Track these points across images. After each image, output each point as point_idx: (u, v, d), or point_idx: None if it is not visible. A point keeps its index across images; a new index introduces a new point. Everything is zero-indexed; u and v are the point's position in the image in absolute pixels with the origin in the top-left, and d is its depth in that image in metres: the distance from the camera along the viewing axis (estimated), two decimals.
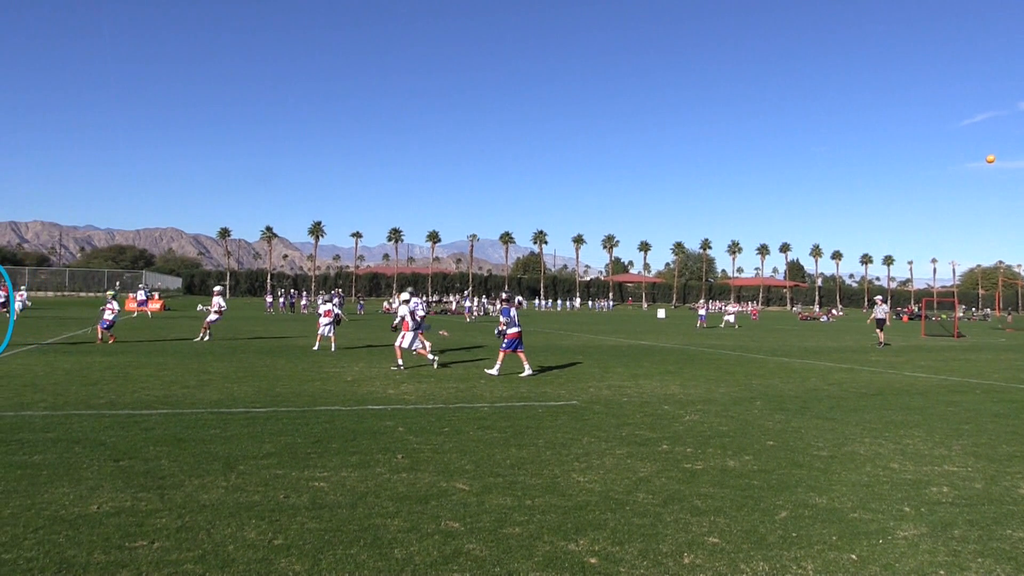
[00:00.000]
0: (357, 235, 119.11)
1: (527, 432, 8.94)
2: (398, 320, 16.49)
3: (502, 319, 15.28)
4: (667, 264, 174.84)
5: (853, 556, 5.16)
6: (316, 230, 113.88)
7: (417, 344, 16.17)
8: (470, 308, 52.38)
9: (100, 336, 21.30)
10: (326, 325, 20.54)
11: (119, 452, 7.37)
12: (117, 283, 60.67)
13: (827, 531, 5.62)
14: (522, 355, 15.20)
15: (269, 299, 58.76)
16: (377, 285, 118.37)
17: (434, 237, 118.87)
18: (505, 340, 15.15)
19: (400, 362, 15.76)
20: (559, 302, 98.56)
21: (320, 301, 21.70)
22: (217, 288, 24.51)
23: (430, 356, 16.25)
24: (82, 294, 73.93)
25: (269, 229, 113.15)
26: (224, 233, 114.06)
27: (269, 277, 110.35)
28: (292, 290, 74.15)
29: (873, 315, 29.49)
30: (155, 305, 52.62)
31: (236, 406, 10.29)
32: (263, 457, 7.30)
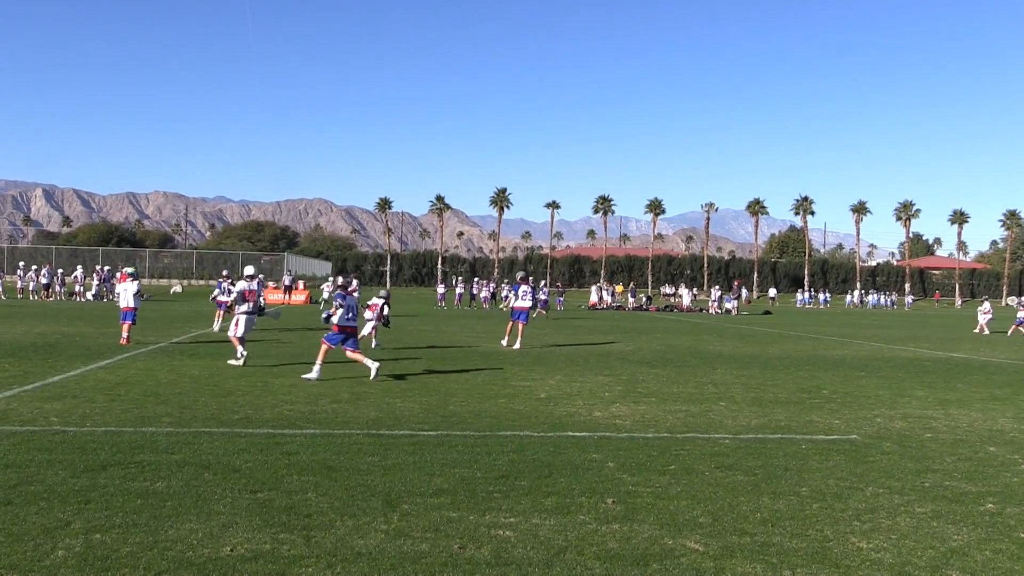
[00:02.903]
0: (554, 206, 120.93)
1: (785, 476, 8.73)
2: (268, 307, 18.03)
3: (332, 308, 16.25)
4: (993, 242, 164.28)
5: None
6: (500, 200, 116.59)
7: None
8: (544, 301, 51.20)
9: (125, 334, 21.65)
10: (368, 321, 21.26)
11: (257, 481, 7.92)
12: (291, 272, 64.93)
13: None
14: (355, 356, 15.95)
15: (441, 289, 61.04)
16: (580, 271, 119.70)
17: (656, 207, 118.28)
18: (333, 332, 16.01)
19: (241, 352, 17.40)
20: (824, 296, 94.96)
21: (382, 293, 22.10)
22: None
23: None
24: (213, 282, 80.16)
25: (440, 200, 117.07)
26: (384, 205, 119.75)
27: (440, 261, 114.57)
28: (475, 278, 76.20)
29: None
30: (300, 296, 56.08)
31: (399, 427, 10.78)
32: (433, 495, 7.59)
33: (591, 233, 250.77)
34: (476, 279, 71.93)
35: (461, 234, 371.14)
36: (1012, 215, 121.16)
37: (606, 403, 13.42)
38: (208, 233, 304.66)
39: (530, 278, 28.93)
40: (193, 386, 14.06)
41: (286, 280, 58.98)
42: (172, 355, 18.97)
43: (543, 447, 9.78)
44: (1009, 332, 39.26)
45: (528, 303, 24.91)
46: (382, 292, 22.27)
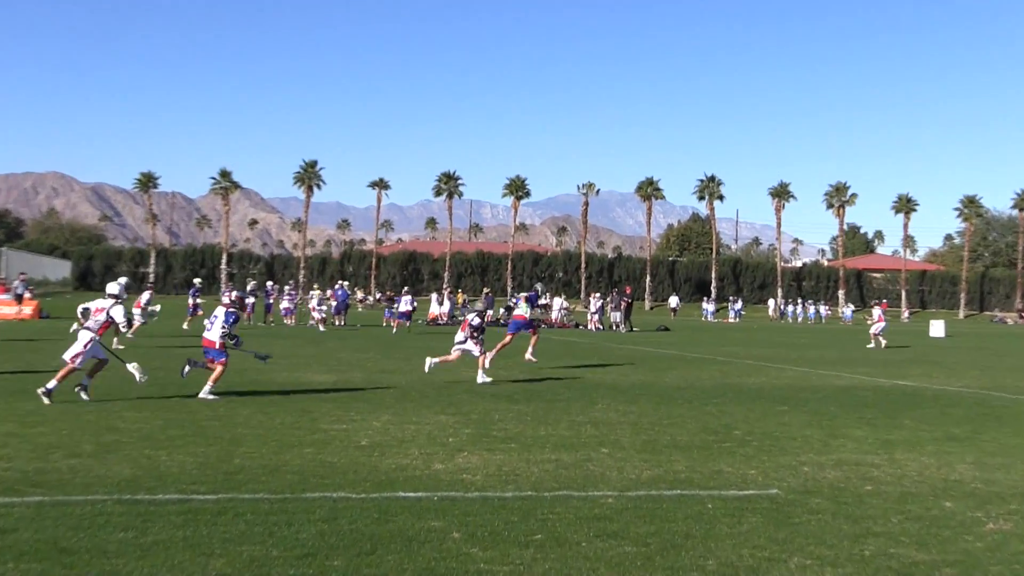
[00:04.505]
0: (381, 185, 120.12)
1: (686, 546, 8.87)
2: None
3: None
4: (947, 237, 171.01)
5: None
6: (308, 176, 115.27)
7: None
8: (406, 313, 52.01)
9: None
10: (464, 342, 23.20)
11: None
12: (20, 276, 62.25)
13: None
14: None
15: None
16: (416, 273, 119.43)
17: (518, 188, 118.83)
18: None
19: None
20: (736, 306, 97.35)
21: (466, 306, 24.38)
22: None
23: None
24: None
25: (226, 176, 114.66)
26: (147, 182, 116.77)
27: (226, 259, 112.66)
28: (269, 283, 74.80)
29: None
30: (26, 308, 54.40)
31: (164, 490, 10.53)
32: None
33: (431, 222, 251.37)
34: (271, 284, 70.31)
35: (255, 223, 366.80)
36: (971, 202, 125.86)
37: (450, 451, 13.39)
38: None
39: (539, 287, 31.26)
40: None
41: (17, 286, 57.01)
42: None
43: (364, 513, 9.68)
44: None
45: (523, 311, 27.38)
46: (479, 304, 25.36)
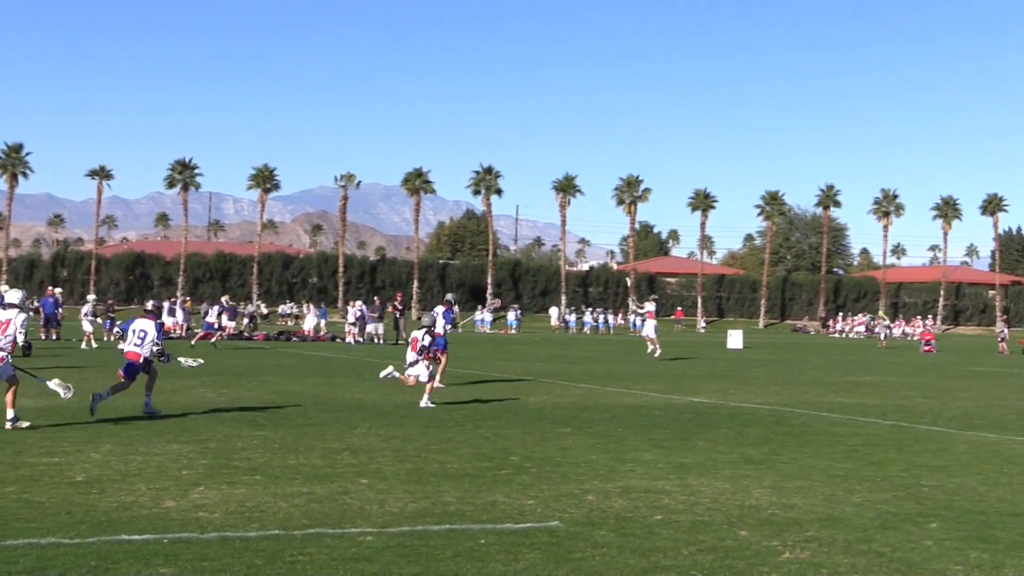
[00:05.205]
0: (102, 175, 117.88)
1: None
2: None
3: None
4: (748, 237, 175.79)
5: None
6: (11, 163, 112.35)
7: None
8: (210, 324, 52.88)
9: None
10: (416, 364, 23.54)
11: None
12: None
13: None
14: None
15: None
16: (145, 277, 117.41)
17: (265, 180, 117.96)
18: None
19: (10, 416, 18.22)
20: (515, 314, 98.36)
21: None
22: None
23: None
24: None
25: None
26: None
27: None
28: None
29: None
30: None
31: None
32: None
33: (163, 219, 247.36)
34: None
35: None
36: (773, 198, 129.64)
37: (184, 486, 13.20)
38: None
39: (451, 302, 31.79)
40: None
41: None
42: None
43: (79, 561, 9.42)
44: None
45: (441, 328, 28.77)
46: (425, 319, 25.64)
